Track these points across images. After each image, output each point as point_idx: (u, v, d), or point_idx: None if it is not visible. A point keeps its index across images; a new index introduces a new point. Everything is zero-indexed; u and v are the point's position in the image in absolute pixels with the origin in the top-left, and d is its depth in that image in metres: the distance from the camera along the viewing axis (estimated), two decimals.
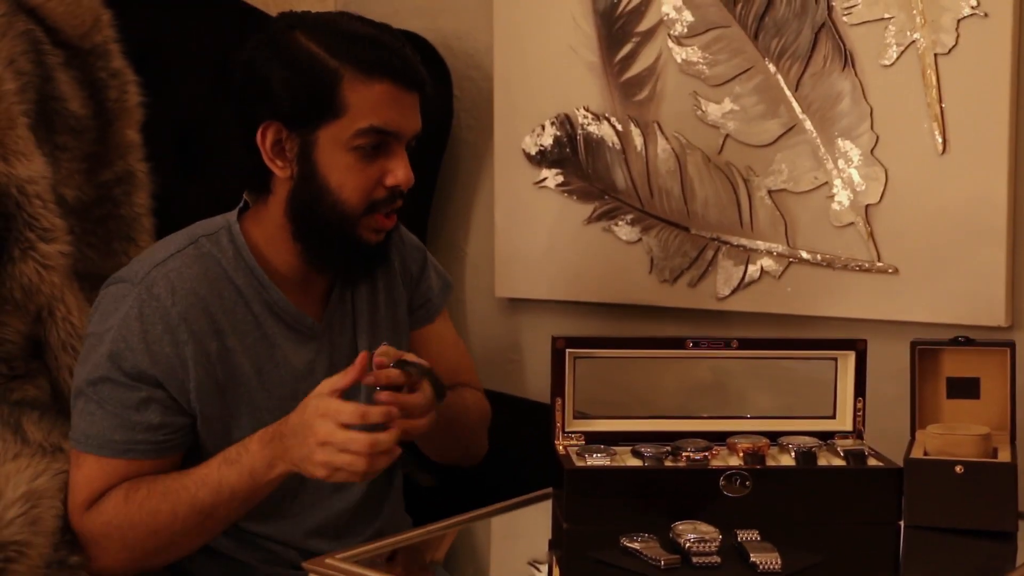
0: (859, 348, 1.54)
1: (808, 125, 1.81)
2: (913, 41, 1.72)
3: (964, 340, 1.50)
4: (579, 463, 1.43)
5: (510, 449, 1.77)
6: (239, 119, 1.47)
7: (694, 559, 1.27)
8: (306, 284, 1.52)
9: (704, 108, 1.89)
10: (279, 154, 1.45)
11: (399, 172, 1.45)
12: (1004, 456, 1.43)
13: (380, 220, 1.47)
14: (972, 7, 1.67)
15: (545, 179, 2.04)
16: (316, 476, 1.34)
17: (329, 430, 1.30)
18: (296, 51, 1.42)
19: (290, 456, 1.35)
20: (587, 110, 1.99)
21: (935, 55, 1.70)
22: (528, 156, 2.05)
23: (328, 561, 1.26)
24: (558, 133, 2.02)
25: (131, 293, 1.43)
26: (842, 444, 1.50)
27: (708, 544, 1.28)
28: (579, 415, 1.53)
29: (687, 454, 1.46)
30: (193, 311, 1.43)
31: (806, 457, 1.47)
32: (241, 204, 1.52)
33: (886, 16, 1.74)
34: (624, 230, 1.97)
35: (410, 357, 1.39)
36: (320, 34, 1.43)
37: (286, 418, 1.37)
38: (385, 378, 1.36)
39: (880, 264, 1.78)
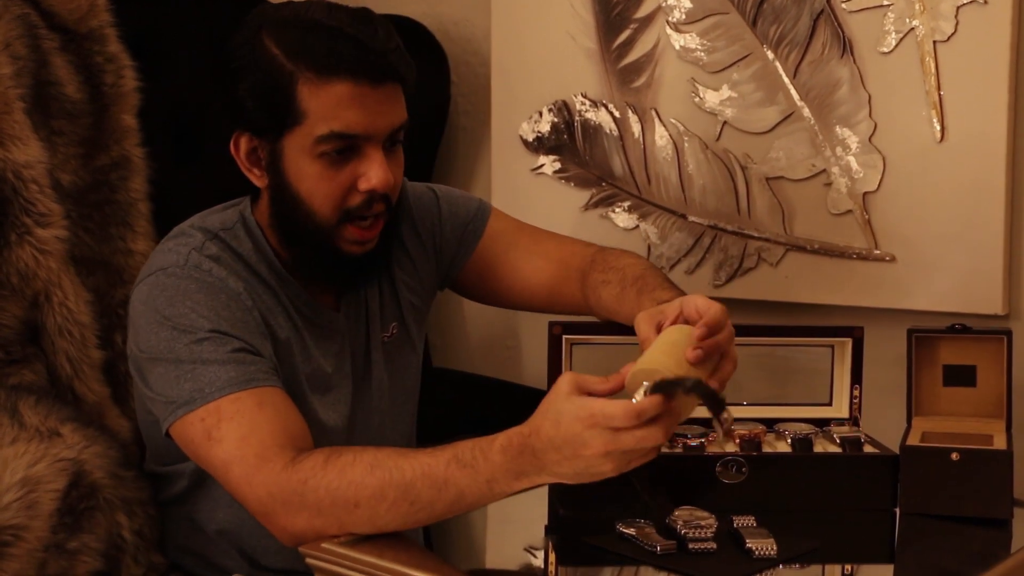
0: (856, 336, 1.54)
1: (806, 112, 1.81)
2: (912, 28, 1.72)
3: (961, 328, 1.51)
4: None
5: None
6: (223, 127, 1.41)
7: (690, 545, 1.27)
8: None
9: (702, 95, 1.89)
10: (255, 163, 1.40)
11: (372, 175, 1.35)
12: (1000, 443, 1.43)
13: (355, 232, 1.38)
14: None
15: (542, 166, 2.04)
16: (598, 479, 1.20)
17: (607, 439, 1.14)
18: (259, 55, 1.35)
19: (551, 471, 1.19)
20: (585, 97, 1.99)
21: (934, 42, 1.70)
22: (525, 143, 2.04)
23: (324, 546, 1.25)
24: (555, 120, 2.01)
25: (179, 273, 1.36)
26: (838, 431, 1.50)
27: (704, 530, 1.28)
28: None
29: (683, 440, 1.46)
30: (248, 290, 1.38)
31: (802, 444, 1.47)
32: (250, 196, 1.48)
33: (885, 3, 1.73)
34: (621, 217, 1.97)
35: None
36: (282, 32, 1.35)
37: (532, 428, 1.19)
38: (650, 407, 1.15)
39: (877, 252, 1.78)
